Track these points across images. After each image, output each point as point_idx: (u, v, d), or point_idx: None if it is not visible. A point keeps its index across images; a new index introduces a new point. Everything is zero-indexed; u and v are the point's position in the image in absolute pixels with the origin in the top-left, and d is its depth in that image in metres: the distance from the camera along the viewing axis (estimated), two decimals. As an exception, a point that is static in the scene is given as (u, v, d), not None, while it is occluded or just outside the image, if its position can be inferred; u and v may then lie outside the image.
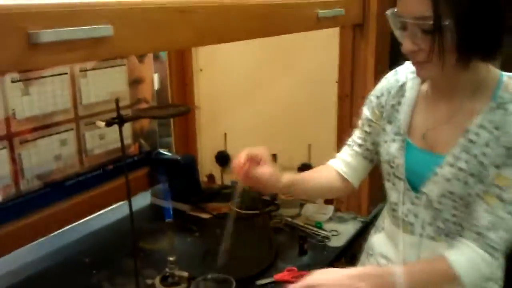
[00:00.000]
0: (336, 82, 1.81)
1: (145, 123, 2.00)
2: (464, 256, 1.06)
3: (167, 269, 1.40)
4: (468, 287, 1.06)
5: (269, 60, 1.95)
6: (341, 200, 1.81)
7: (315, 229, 1.71)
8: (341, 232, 1.69)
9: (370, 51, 1.74)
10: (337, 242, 1.64)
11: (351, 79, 1.79)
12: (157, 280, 1.41)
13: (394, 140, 1.17)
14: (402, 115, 1.16)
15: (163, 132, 2.18)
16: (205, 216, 1.88)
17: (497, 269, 1.17)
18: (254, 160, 1.17)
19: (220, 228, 1.26)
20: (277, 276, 1.44)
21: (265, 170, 1.16)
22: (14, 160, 1.53)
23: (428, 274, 1.09)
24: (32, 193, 1.60)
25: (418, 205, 1.14)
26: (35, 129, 1.59)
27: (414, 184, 1.14)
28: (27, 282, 1.48)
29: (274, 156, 1.96)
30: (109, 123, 1.19)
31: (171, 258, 1.40)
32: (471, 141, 1.04)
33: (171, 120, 2.17)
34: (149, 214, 1.94)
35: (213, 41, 1.23)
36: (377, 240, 1.33)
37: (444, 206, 1.10)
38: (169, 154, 2.01)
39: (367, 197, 1.80)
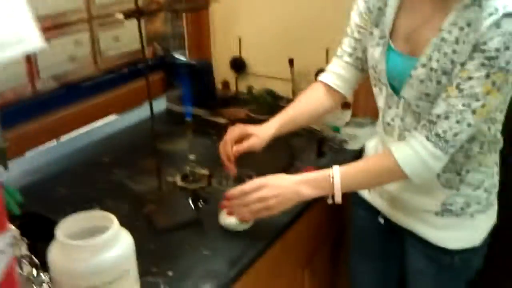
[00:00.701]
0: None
1: (158, 26, 1.95)
2: (408, 148, 1.05)
3: (187, 167, 1.42)
4: (414, 180, 1.06)
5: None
6: (358, 105, 1.80)
7: (333, 133, 1.72)
8: (358, 136, 1.69)
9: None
10: (354, 145, 1.65)
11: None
12: (178, 178, 1.43)
13: (378, 44, 1.16)
14: (387, 17, 1.14)
15: (176, 37, 2.13)
16: (221, 121, 1.88)
17: (485, 175, 1.16)
18: (238, 140, 1.26)
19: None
20: (296, 176, 1.46)
21: (251, 142, 1.26)
22: (29, 59, 1.51)
23: (369, 170, 1.12)
24: (49, 93, 1.59)
25: (400, 110, 1.14)
26: (48, 29, 1.55)
27: (396, 88, 1.14)
28: (47, 180, 1.51)
29: (291, 61, 1.92)
30: (127, 15, 1.15)
31: (191, 157, 1.41)
32: (443, 39, 1.02)
33: (184, 24, 2.11)
34: (165, 118, 1.94)
35: None
36: (370, 146, 1.36)
37: (422, 109, 1.09)
38: (184, 58, 1.97)
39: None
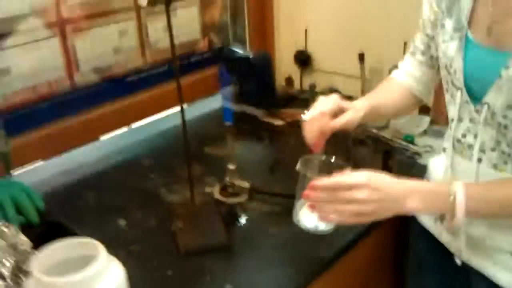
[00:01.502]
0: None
1: (215, 14, 1.78)
2: None
3: (226, 178, 1.23)
4: None
5: None
6: (440, 109, 1.52)
7: (405, 143, 1.46)
8: (435, 148, 1.41)
9: None
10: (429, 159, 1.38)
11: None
12: (216, 189, 1.25)
13: (452, 38, 0.93)
14: (463, 4, 0.90)
15: (237, 27, 1.94)
16: (278, 123, 1.68)
17: None
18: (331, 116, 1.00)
19: (294, 136, 1.04)
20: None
21: (350, 117, 1.00)
22: (67, 50, 1.39)
23: (498, 196, 0.86)
24: (89, 88, 1.47)
25: (478, 122, 0.89)
26: (90, 17, 1.42)
27: (475, 94, 0.89)
28: (83, 182, 1.39)
29: (362, 56, 1.68)
30: (152, 2, 0.98)
31: (231, 167, 1.22)
32: None
33: (246, 14, 1.92)
34: (218, 118, 1.77)
35: None
36: (434, 164, 1.12)
37: (511, 121, 0.84)
38: (241, 51, 1.78)
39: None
